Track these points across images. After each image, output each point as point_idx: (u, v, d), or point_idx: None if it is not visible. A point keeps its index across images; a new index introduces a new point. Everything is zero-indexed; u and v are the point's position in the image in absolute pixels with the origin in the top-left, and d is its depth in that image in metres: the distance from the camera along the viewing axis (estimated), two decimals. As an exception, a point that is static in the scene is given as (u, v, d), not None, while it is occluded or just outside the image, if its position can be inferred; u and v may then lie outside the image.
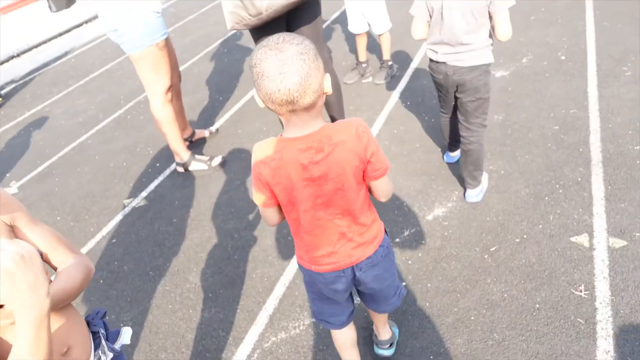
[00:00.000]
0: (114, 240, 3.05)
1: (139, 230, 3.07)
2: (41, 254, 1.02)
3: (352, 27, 4.02)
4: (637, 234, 2.23)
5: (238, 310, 2.34)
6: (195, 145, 3.88)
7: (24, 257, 0.82)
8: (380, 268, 1.52)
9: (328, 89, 1.24)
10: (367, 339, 2.04)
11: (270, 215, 1.45)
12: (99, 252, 2.98)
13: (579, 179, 2.61)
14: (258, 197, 1.40)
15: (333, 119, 3.05)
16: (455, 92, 2.44)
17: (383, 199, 1.45)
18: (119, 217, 3.26)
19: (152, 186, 3.50)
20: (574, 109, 3.17)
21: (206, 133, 3.95)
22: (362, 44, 4.13)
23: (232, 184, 3.30)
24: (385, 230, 1.56)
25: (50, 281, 1.09)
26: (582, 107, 3.17)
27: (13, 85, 6.68)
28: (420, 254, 2.40)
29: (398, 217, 2.65)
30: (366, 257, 1.47)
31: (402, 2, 5.67)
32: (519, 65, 3.85)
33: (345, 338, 1.77)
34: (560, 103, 3.27)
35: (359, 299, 2.20)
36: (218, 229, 2.92)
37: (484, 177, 2.71)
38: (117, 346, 1.18)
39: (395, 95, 3.86)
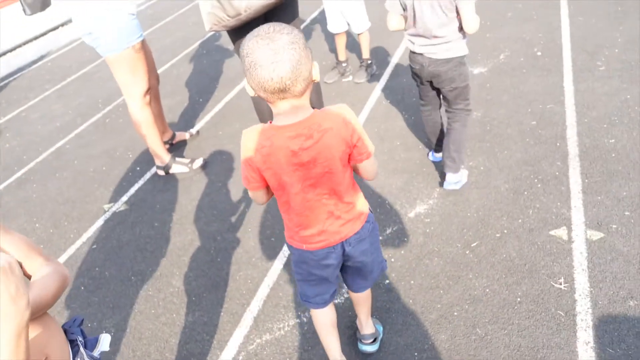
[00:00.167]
0: (95, 246, 3.01)
1: (120, 235, 3.04)
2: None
3: (331, 27, 4.02)
4: (614, 226, 2.27)
5: (222, 313, 2.33)
6: (176, 147, 3.85)
7: (4, 267, 0.80)
8: (367, 242, 1.61)
9: (316, 76, 1.31)
10: (351, 338, 2.05)
11: (259, 196, 1.52)
12: (79, 258, 2.94)
13: (557, 173, 2.65)
14: (249, 182, 1.45)
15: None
16: (432, 83, 2.55)
17: (369, 179, 1.54)
18: (99, 223, 3.22)
19: (132, 190, 3.47)
20: (550, 104, 3.22)
21: (186, 135, 3.92)
22: (341, 43, 4.13)
23: (214, 186, 3.28)
24: (370, 209, 1.64)
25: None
26: (558, 102, 3.22)
27: (-12, 91, 6.55)
28: (402, 252, 2.41)
29: (380, 215, 2.66)
30: (354, 232, 1.55)
31: (380, 0, 5.70)
32: (496, 62, 3.89)
33: (325, 317, 1.81)
34: (538, 98, 3.32)
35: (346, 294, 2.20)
36: (200, 232, 2.90)
37: (464, 172, 2.74)
38: (96, 354, 1.16)
39: (375, 93, 3.88)
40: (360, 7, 3.86)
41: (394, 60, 4.35)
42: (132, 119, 3.30)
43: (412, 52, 2.53)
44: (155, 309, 2.45)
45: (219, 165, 3.50)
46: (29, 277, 1.10)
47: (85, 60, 6.64)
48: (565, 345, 1.83)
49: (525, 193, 2.58)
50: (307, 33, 5.49)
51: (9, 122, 5.32)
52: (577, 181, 2.57)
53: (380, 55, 4.50)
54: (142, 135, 3.34)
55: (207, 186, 3.30)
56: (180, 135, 3.90)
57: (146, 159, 3.79)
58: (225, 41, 5.89)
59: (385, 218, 2.64)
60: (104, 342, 1.20)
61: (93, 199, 3.49)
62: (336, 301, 2.21)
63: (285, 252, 2.58)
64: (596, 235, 2.25)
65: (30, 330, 1.01)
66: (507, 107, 3.30)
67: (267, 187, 1.49)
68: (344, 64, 4.25)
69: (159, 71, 5.42)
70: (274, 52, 1.19)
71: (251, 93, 1.30)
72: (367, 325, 1.95)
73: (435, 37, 2.35)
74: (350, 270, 1.73)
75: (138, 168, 3.73)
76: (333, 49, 4.75)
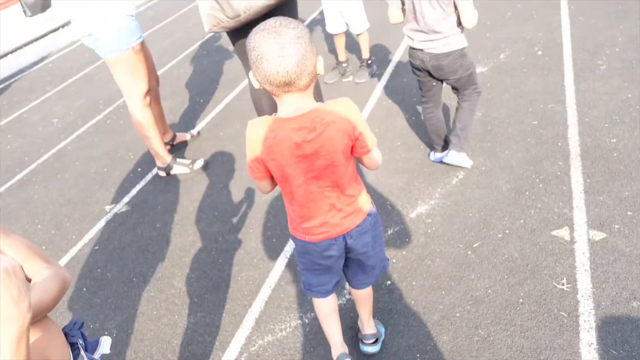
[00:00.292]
0: (97, 248, 3.00)
1: (121, 237, 3.04)
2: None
3: (330, 28, 4.02)
4: (616, 226, 2.26)
5: (224, 314, 2.32)
6: (177, 148, 3.85)
7: (7, 270, 0.80)
8: (368, 236, 1.63)
9: (320, 70, 1.34)
10: (353, 339, 2.04)
11: (264, 185, 1.55)
12: (81, 259, 2.94)
13: (559, 173, 2.65)
14: (253, 172, 1.48)
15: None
16: (435, 77, 2.62)
17: (373, 169, 1.58)
18: (101, 224, 3.22)
19: (134, 191, 3.46)
20: (551, 104, 3.21)
21: (187, 136, 3.92)
22: (340, 43, 4.13)
23: (215, 187, 3.27)
24: (372, 202, 1.66)
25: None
26: (559, 102, 3.21)
27: (-11, 92, 6.55)
28: (404, 252, 2.41)
29: (381, 216, 2.65)
30: (355, 225, 1.57)
31: (380, 0, 5.70)
32: (496, 61, 3.88)
33: (326, 306, 1.84)
34: (539, 98, 3.31)
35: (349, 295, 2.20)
36: (202, 233, 2.90)
37: (466, 158, 2.81)
38: (96, 356, 1.16)
39: (376, 94, 3.87)
40: (359, 8, 3.86)
41: (394, 60, 4.34)
42: (132, 120, 3.30)
43: (412, 48, 2.58)
44: (157, 310, 2.44)
45: (219, 166, 3.50)
46: (29, 280, 1.10)
47: (85, 62, 6.64)
48: (568, 346, 1.83)
49: (527, 193, 2.57)
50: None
51: (10, 123, 5.32)
52: (579, 181, 2.57)
53: (380, 55, 4.49)
54: (143, 137, 3.34)
55: (208, 187, 3.30)
56: (181, 136, 3.90)
57: (147, 160, 3.79)
58: (226, 42, 5.89)
59: (386, 218, 2.63)
60: (105, 344, 1.20)
61: (94, 200, 3.49)
62: (338, 302, 2.20)
63: (286, 252, 2.58)
64: (598, 235, 2.24)
65: (30, 333, 1.01)
66: (507, 107, 3.29)
67: (272, 177, 1.51)
68: (344, 64, 4.24)
69: (159, 72, 5.43)
70: (280, 46, 1.22)
71: (256, 85, 1.34)
72: (368, 326, 1.95)
73: (435, 32, 2.41)
74: (351, 263, 1.75)
75: (139, 169, 3.73)
76: (333, 50, 4.75)
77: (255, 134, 1.40)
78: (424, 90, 2.75)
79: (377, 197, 2.80)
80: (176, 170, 3.47)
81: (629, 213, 2.31)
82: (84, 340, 1.17)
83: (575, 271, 2.11)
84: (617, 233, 2.23)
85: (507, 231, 2.38)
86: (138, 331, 2.35)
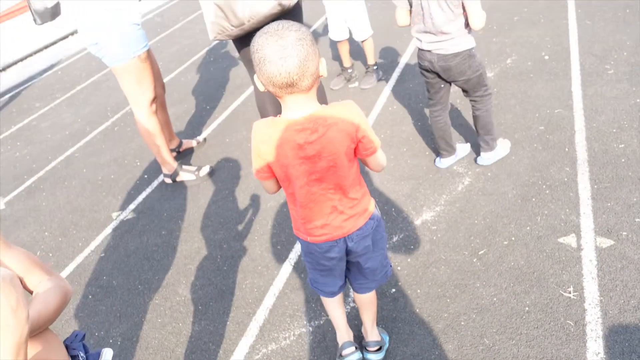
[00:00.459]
0: (103, 255, 3.02)
1: (127, 244, 3.05)
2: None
3: (333, 35, 4.02)
4: (624, 233, 2.23)
5: (228, 322, 2.32)
6: (183, 155, 3.87)
7: (5, 280, 0.80)
8: (369, 239, 1.64)
9: (323, 71, 1.37)
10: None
11: (269, 185, 1.57)
12: (87, 267, 2.95)
13: (566, 179, 2.62)
14: (258, 172, 1.51)
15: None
16: (444, 79, 2.63)
17: (377, 171, 1.59)
18: (107, 231, 3.23)
19: (140, 198, 3.48)
20: (558, 109, 3.19)
21: (193, 143, 3.94)
22: (344, 50, 4.13)
23: (221, 194, 3.28)
24: (376, 206, 1.67)
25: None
26: (566, 107, 3.19)
27: (-1, 100, 6.63)
28: (409, 260, 2.39)
29: (386, 223, 2.64)
30: (357, 228, 1.58)
31: (386, 5, 5.69)
32: (503, 66, 3.86)
33: (334, 301, 1.88)
34: (545, 103, 3.28)
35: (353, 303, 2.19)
36: (207, 240, 2.90)
37: (505, 143, 2.88)
38: (98, 369, 1.16)
39: (382, 99, 3.87)
40: (363, 15, 3.87)
41: (400, 65, 4.33)
42: (138, 127, 3.32)
43: (420, 50, 2.61)
44: (162, 318, 2.45)
45: (225, 172, 3.51)
46: (30, 292, 1.10)
47: (94, 69, 6.71)
48: (574, 356, 1.80)
49: (534, 199, 2.55)
50: (314, 39, 5.50)
51: (20, 130, 5.38)
52: (586, 187, 2.54)
53: (386, 61, 4.49)
54: (149, 144, 3.36)
55: (214, 194, 3.31)
56: (187, 143, 3.92)
57: (154, 166, 3.81)
58: (232, 49, 5.92)
59: (391, 225, 2.62)
60: (106, 356, 1.20)
61: (101, 207, 3.51)
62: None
63: (291, 260, 2.58)
64: (606, 242, 2.22)
65: (31, 346, 1.01)
66: (514, 112, 3.27)
67: (276, 178, 1.53)
68: (349, 70, 4.24)
69: (166, 79, 5.47)
70: (282, 48, 1.25)
71: (261, 88, 1.36)
72: (372, 333, 1.94)
73: (443, 33, 2.42)
74: (351, 266, 1.77)
75: (146, 176, 3.75)
76: (337, 56, 4.75)
77: (260, 135, 1.43)
78: (432, 92, 2.75)
79: (383, 204, 2.79)
80: (182, 177, 3.48)
81: (637, 220, 2.29)
82: (86, 352, 1.17)
83: (582, 279, 2.08)
84: (625, 240, 2.20)
85: (513, 238, 2.36)
86: (143, 339, 2.35)
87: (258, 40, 1.28)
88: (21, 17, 10.71)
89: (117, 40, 2.92)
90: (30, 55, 8.42)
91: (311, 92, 1.37)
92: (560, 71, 3.60)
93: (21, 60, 8.31)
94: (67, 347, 1.14)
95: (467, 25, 2.42)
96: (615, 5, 4.31)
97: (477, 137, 2.82)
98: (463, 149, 2.97)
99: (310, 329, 2.18)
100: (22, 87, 6.93)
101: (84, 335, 1.17)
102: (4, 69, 8.04)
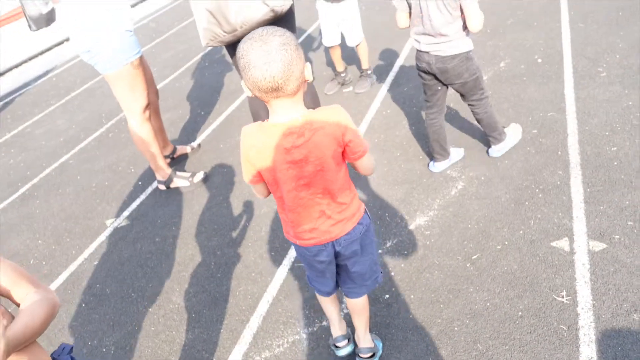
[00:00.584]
0: (96, 263, 3.01)
1: (121, 251, 3.04)
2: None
3: (325, 40, 4.03)
4: (617, 236, 2.24)
5: (222, 330, 2.31)
6: (177, 161, 3.86)
7: None
8: (358, 244, 1.65)
9: (309, 76, 1.37)
10: (350, 355, 2.02)
11: (259, 189, 1.59)
12: (81, 275, 2.94)
13: (558, 183, 2.62)
14: (247, 176, 1.52)
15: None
16: (441, 81, 2.65)
17: (367, 175, 1.61)
18: (101, 239, 3.22)
19: (134, 205, 3.47)
20: (551, 112, 3.19)
21: (188, 149, 3.93)
22: (336, 55, 4.14)
23: (215, 200, 3.27)
24: (366, 211, 1.68)
25: (13, 317, 1.07)
26: (559, 110, 3.19)
27: (-7, 107, 6.61)
28: (402, 265, 2.39)
29: (380, 228, 2.64)
30: (345, 233, 1.60)
31: (382, 7, 5.71)
32: (496, 70, 3.87)
33: (328, 299, 1.92)
34: (538, 106, 3.29)
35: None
36: (201, 247, 2.89)
37: (516, 129, 2.97)
38: (86, 381, 1.15)
39: (376, 104, 3.87)
40: (357, 18, 3.88)
41: (394, 69, 4.34)
42: (132, 134, 3.32)
43: (418, 51, 2.63)
44: (155, 326, 2.44)
45: (220, 178, 3.50)
46: (17, 304, 1.10)
47: (88, 76, 6.70)
48: (567, 360, 1.80)
49: (527, 203, 2.55)
50: (304, 47, 5.50)
51: (14, 137, 5.37)
52: (579, 190, 2.54)
53: (380, 65, 4.49)
54: (143, 151, 3.35)
55: (208, 200, 3.30)
56: (182, 149, 3.91)
57: (148, 173, 3.80)
58: (227, 54, 5.92)
59: (385, 230, 2.62)
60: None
61: (95, 215, 3.50)
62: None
63: (285, 267, 2.57)
64: (598, 246, 2.22)
65: (16, 360, 1.01)
66: (507, 116, 3.27)
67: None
68: (342, 74, 4.25)
69: (161, 84, 5.46)
70: (266, 53, 1.26)
71: (248, 93, 1.38)
72: (364, 339, 1.94)
73: (441, 35, 2.45)
74: (340, 270, 1.79)
75: (140, 183, 3.74)
76: (331, 62, 4.76)
77: (248, 139, 1.45)
78: (429, 94, 2.76)
79: (376, 209, 2.78)
80: (176, 183, 3.47)
81: (629, 223, 2.29)
82: (73, 364, 1.16)
83: (575, 283, 2.08)
84: (617, 243, 2.20)
85: (506, 242, 2.36)
86: (136, 348, 2.34)
87: (243, 46, 1.30)
88: (16, 24, 10.71)
89: (110, 47, 2.91)
90: (25, 61, 8.41)
91: (297, 96, 1.38)
92: (553, 74, 3.60)
93: (17, 66, 8.30)
94: (54, 360, 1.13)
95: (465, 27, 2.44)
96: (608, 9, 4.33)
97: (485, 134, 2.88)
98: (457, 153, 2.98)
99: (304, 335, 2.17)
100: (17, 94, 6.91)
101: (72, 348, 1.16)
102: (1, 74, 8.03)
